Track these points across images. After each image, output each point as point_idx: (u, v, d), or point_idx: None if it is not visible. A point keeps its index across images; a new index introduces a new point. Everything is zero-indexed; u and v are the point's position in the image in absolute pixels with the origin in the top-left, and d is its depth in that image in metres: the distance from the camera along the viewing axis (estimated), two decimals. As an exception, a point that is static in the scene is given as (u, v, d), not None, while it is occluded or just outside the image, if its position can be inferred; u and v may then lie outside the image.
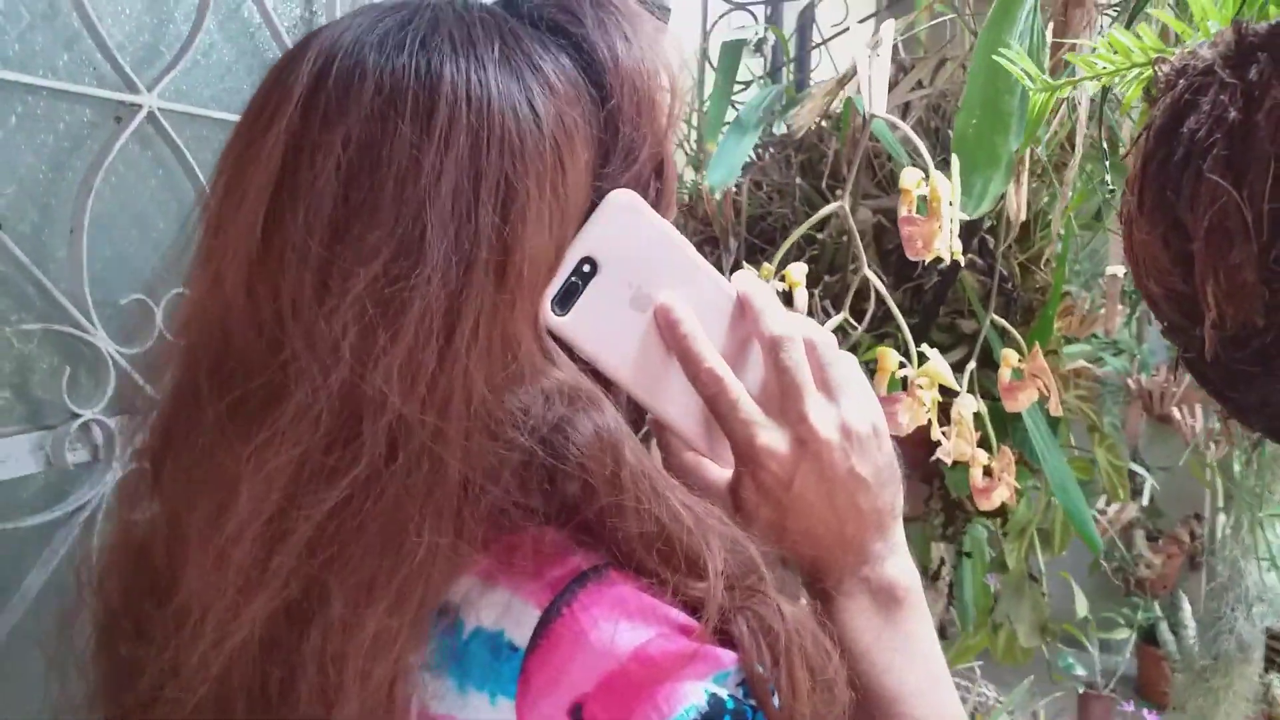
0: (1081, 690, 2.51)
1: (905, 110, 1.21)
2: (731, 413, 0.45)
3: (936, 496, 1.28)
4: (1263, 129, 0.36)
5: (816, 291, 1.15)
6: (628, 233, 0.44)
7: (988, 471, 1.03)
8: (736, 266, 1.02)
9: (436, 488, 0.38)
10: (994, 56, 0.50)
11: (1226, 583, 2.14)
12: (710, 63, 1.51)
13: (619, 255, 0.44)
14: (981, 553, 1.36)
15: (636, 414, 0.48)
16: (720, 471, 0.48)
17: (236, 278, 0.40)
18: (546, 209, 0.41)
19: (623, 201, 0.44)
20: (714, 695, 0.36)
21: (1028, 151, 1.01)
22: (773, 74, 1.62)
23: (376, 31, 0.41)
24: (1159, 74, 0.40)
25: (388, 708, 0.38)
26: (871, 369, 0.96)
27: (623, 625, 0.37)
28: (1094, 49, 0.43)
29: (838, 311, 1.03)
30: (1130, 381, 2.72)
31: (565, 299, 0.43)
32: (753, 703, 0.37)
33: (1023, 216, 1.01)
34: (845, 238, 1.15)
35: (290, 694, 0.39)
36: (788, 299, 0.80)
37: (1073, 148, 0.96)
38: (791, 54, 1.65)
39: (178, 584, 0.41)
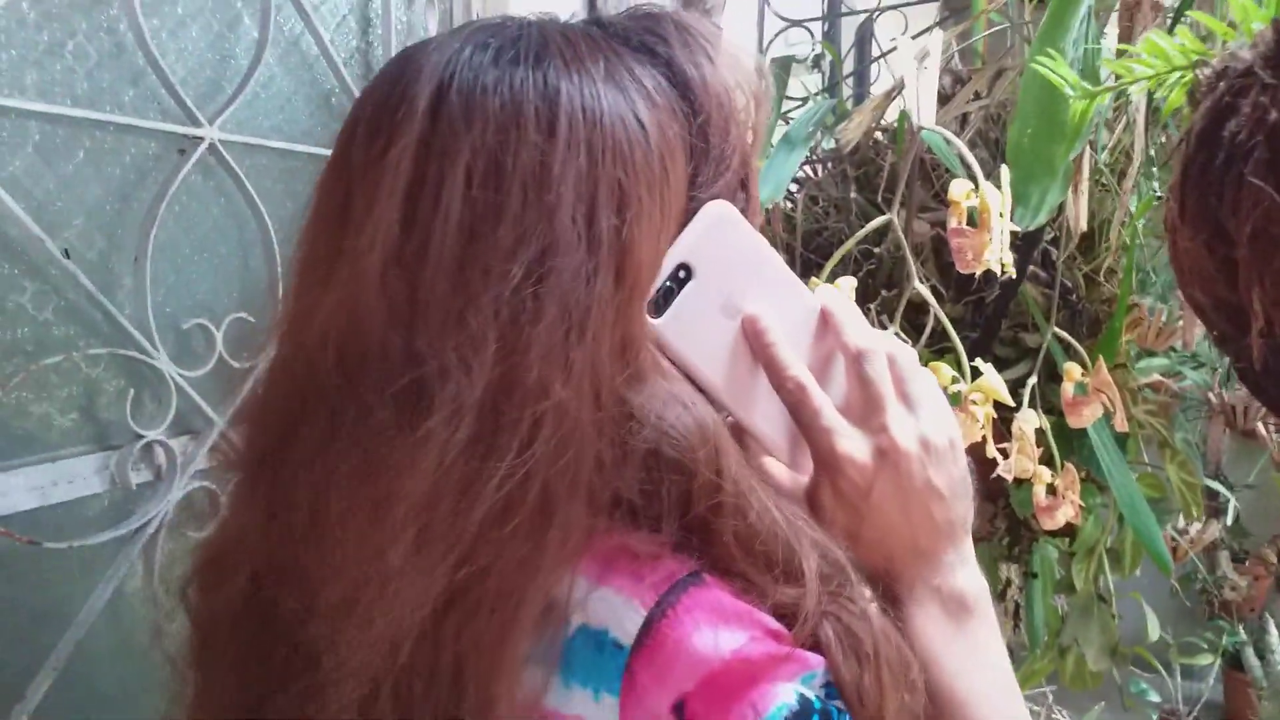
0: (1156, 717, 2.42)
1: (964, 121, 1.20)
2: (814, 420, 0.46)
3: (1002, 515, 1.25)
4: (1307, 130, 0.35)
5: (874, 306, 1.14)
6: (722, 242, 0.46)
7: (1051, 489, 1.00)
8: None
9: (579, 477, 0.40)
10: (1034, 64, 0.50)
11: (1316, 605, 2.05)
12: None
13: (712, 263, 0.46)
14: (1049, 573, 1.32)
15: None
16: (798, 479, 0.49)
17: (370, 278, 0.41)
18: (655, 215, 0.43)
19: (718, 212, 0.46)
20: (803, 695, 0.38)
21: (1088, 160, 0.98)
22: (830, 89, 1.61)
23: (490, 49, 0.43)
24: (1200, 77, 0.39)
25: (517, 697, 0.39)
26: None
27: (722, 629, 0.38)
28: (1135, 54, 0.42)
29: (892, 324, 1.02)
30: (1211, 396, 2.62)
31: (661, 303, 0.45)
32: (838, 704, 0.39)
33: (1084, 226, 0.98)
34: (901, 252, 1.14)
35: (444, 679, 0.40)
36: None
37: (1133, 156, 0.94)
38: (848, 70, 1.64)
39: (319, 583, 0.41)
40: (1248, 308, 0.37)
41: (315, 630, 0.42)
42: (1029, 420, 0.93)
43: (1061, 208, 0.95)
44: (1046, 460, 1.00)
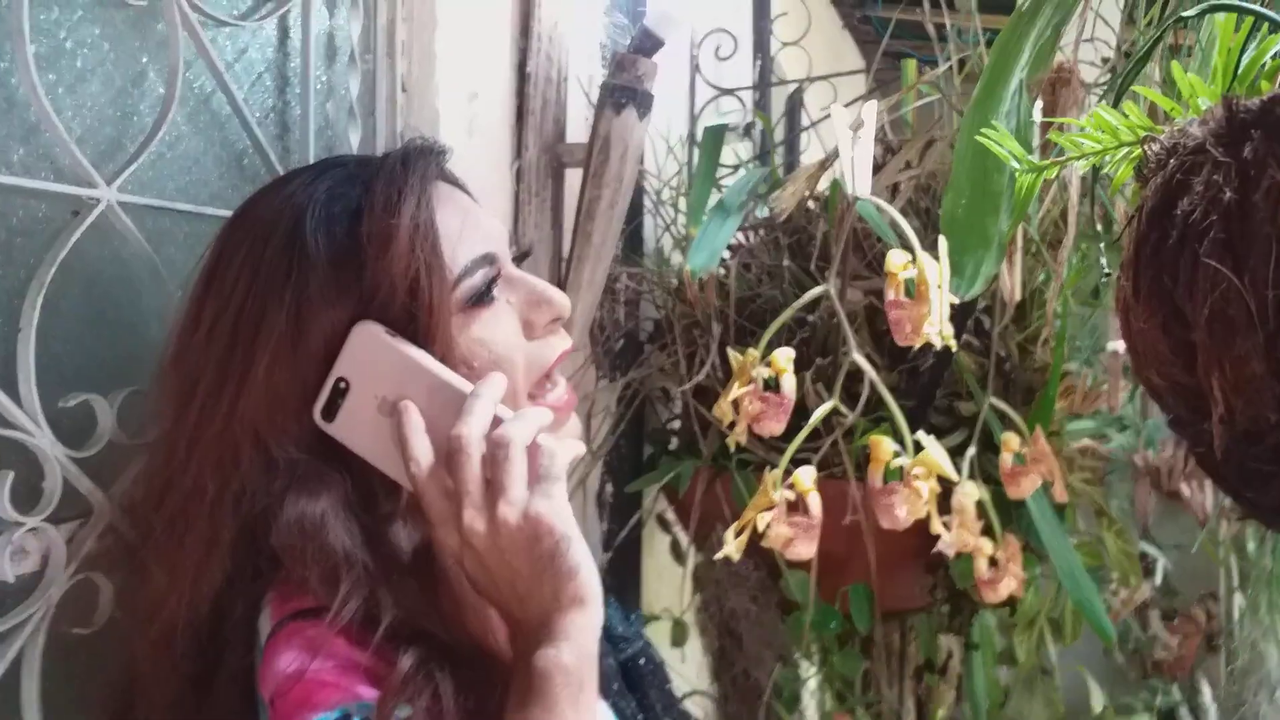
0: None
1: (894, 191, 1.20)
2: (424, 505, 0.57)
3: (941, 586, 1.23)
4: (1261, 210, 0.33)
5: (808, 374, 1.12)
6: (370, 355, 0.59)
7: (993, 562, 0.98)
8: (722, 349, 0.99)
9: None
10: (977, 137, 0.48)
11: (1247, 666, 2.07)
12: (696, 147, 1.51)
13: (364, 372, 0.59)
14: (990, 644, 1.30)
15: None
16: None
17: None
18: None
19: (363, 330, 0.59)
20: (346, 713, 0.51)
21: (1020, 230, 0.99)
22: (760, 158, 1.62)
23: None
24: (1148, 153, 0.38)
25: None
26: (865, 457, 0.92)
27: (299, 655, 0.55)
28: (1081, 128, 0.41)
29: (830, 394, 1.00)
30: (1137, 458, 2.66)
31: (329, 409, 0.60)
32: None
33: (1018, 296, 0.98)
34: (835, 319, 1.13)
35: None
36: (775, 385, 0.77)
37: (1065, 226, 0.94)
38: (779, 138, 1.65)
39: None
40: (1207, 393, 0.35)
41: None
42: (969, 494, 0.91)
43: (994, 277, 0.95)
44: (986, 531, 0.99)
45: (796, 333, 1.19)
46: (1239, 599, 2.66)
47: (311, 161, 0.82)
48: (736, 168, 1.45)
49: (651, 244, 1.41)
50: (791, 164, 1.73)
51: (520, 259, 0.69)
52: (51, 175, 0.67)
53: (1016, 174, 0.44)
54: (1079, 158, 0.39)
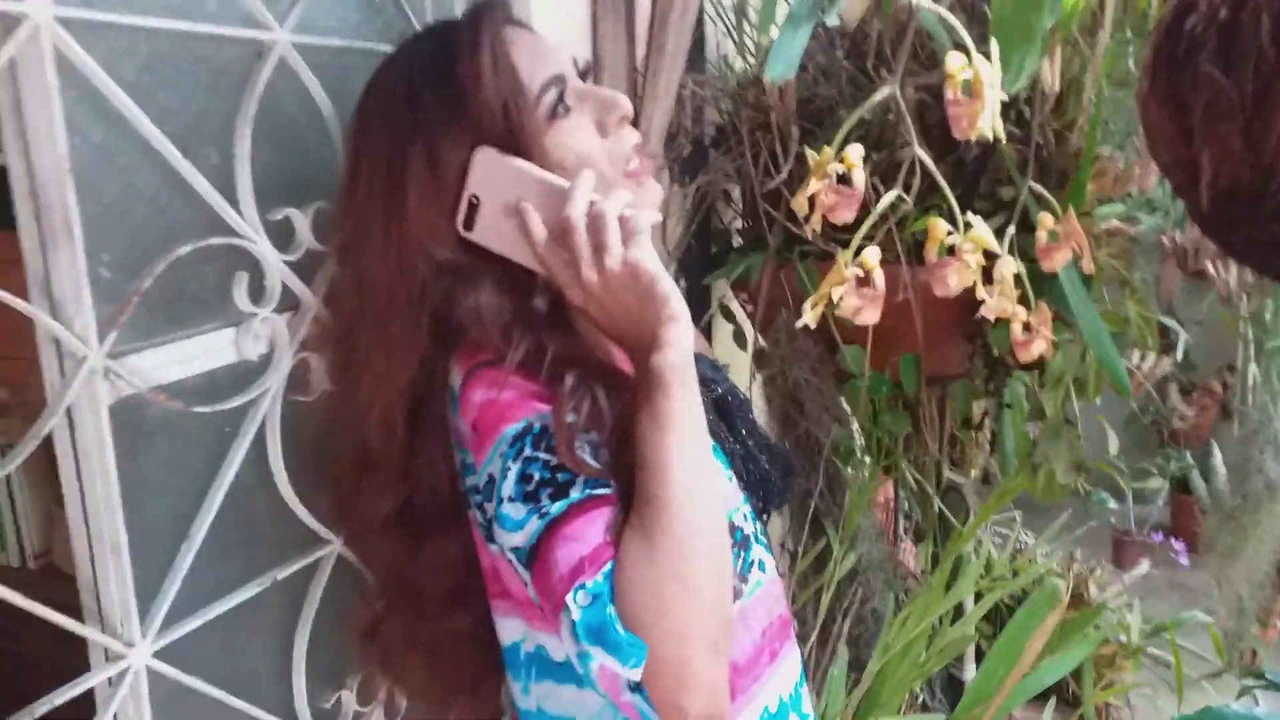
0: (1114, 533, 2.64)
1: (943, -10, 1.28)
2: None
3: (979, 354, 1.39)
4: (1246, 26, 0.46)
5: (866, 168, 1.24)
6: (491, 172, 0.74)
7: (1027, 327, 1.14)
8: (801, 149, 1.11)
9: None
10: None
11: (1257, 426, 2.25)
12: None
13: (489, 187, 0.74)
14: (1020, 404, 1.48)
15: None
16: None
17: None
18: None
19: (481, 154, 0.74)
20: (530, 422, 0.69)
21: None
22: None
23: None
24: (1168, -21, 0.50)
25: None
26: (921, 238, 1.06)
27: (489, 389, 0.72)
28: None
29: (885, 186, 1.13)
30: (1164, 239, 2.77)
31: (468, 221, 0.75)
32: (552, 433, 0.68)
33: (1057, 87, 1.08)
34: (890, 116, 1.24)
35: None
36: (846, 179, 0.90)
37: (1101, 16, 1.03)
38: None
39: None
40: (1199, 163, 0.49)
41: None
42: (1008, 266, 1.05)
43: (1037, 70, 1.05)
44: (1022, 301, 1.13)
45: (853, 130, 1.30)
46: (1254, 370, 2.83)
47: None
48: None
49: (712, 52, 1.50)
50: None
51: (584, 74, 0.83)
52: (238, 21, 0.79)
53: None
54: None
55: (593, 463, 0.67)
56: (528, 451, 0.68)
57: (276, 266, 0.82)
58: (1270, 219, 0.48)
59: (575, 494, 0.65)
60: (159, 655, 0.74)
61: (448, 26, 0.80)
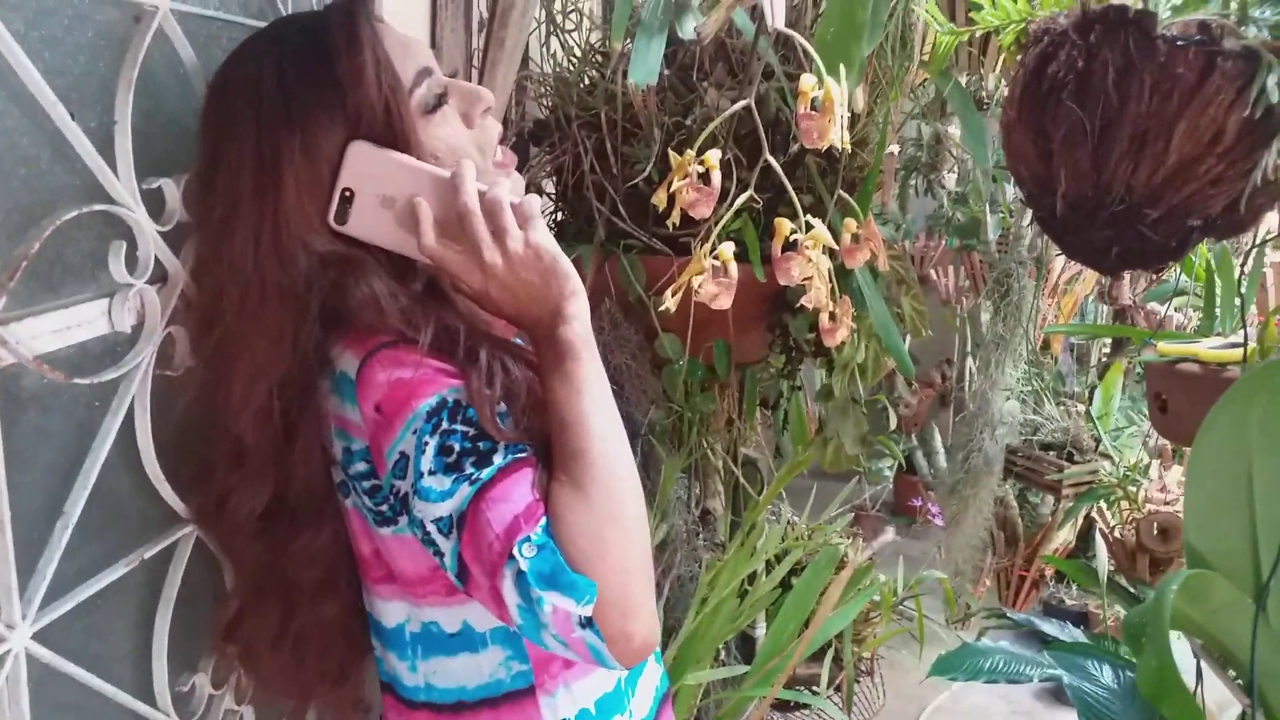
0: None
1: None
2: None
3: (778, 341, 1.54)
4: (1097, 74, 0.58)
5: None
6: (368, 165, 0.76)
7: (832, 316, 1.28)
8: (663, 148, 1.19)
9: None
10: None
11: (976, 411, 2.59)
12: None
13: (363, 181, 0.76)
14: (810, 386, 1.64)
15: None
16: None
17: None
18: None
19: (355, 147, 0.76)
20: (443, 397, 0.71)
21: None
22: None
23: None
24: (1030, 30, 0.62)
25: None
26: (741, 237, 1.17)
27: (393, 369, 0.73)
28: (982, 7, 0.64)
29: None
30: (896, 247, 3.11)
31: (340, 215, 0.76)
32: (465, 406, 0.71)
33: (862, 107, 1.23)
34: (707, 124, 1.34)
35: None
36: (706, 178, 0.99)
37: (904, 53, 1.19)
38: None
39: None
40: (1055, 179, 0.61)
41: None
42: (824, 262, 1.19)
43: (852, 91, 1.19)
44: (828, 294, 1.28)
45: (674, 136, 1.40)
46: (970, 362, 3.25)
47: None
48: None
49: (534, 49, 1.55)
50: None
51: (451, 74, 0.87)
52: (115, -18, 0.76)
53: (939, 35, 0.66)
54: (986, 29, 0.63)
55: (511, 429, 0.72)
56: (445, 425, 0.71)
57: (151, 236, 0.78)
58: (1103, 226, 0.62)
59: (499, 459, 0.69)
60: (35, 638, 0.70)
61: (317, 17, 0.80)
